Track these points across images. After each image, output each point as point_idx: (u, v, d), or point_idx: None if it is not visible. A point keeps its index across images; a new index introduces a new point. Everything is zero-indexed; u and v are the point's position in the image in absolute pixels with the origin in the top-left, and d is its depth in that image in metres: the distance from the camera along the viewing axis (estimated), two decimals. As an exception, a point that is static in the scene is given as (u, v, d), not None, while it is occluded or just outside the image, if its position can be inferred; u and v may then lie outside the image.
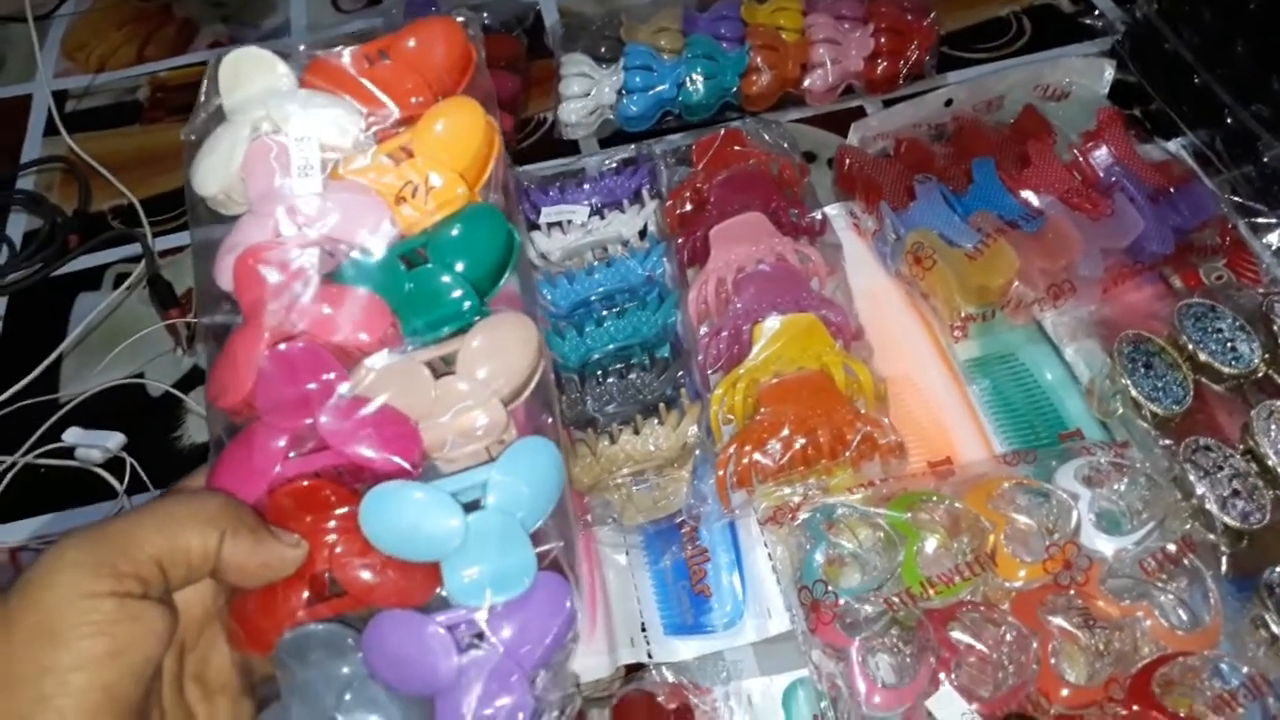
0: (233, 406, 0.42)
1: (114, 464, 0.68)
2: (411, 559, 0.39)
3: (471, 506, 0.39)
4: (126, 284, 0.78)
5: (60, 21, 1.04)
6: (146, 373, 0.73)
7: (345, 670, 0.38)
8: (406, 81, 0.45)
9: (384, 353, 0.41)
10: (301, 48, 0.48)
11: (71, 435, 0.68)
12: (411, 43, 0.46)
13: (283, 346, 0.40)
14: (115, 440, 0.68)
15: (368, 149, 0.43)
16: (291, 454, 0.40)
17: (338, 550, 0.39)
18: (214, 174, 0.45)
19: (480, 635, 0.39)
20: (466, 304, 0.42)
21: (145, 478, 0.67)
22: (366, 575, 0.39)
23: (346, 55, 0.47)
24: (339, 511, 0.39)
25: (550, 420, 0.45)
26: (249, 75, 0.46)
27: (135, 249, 0.80)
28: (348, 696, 0.37)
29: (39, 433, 0.70)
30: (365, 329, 0.41)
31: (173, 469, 0.68)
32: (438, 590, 0.39)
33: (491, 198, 0.46)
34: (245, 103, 0.45)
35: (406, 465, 0.40)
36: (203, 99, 0.48)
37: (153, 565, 0.34)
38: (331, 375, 0.41)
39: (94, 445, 0.68)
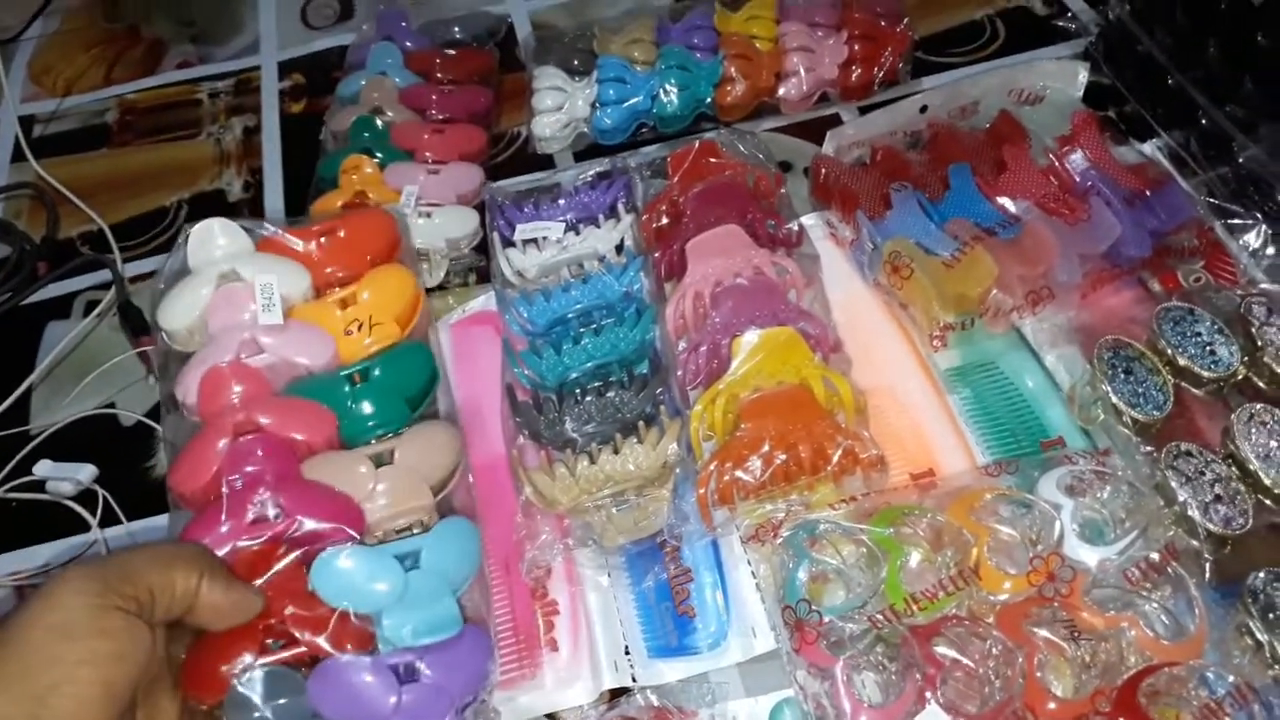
0: (190, 494, 0.49)
1: (86, 496, 0.67)
2: (357, 610, 0.45)
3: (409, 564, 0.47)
4: (96, 311, 0.77)
5: (26, 45, 1.03)
6: (118, 402, 0.72)
7: (294, 708, 0.42)
8: (346, 255, 0.58)
9: (330, 452, 0.50)
10: (253, 227, 0.59)
11: (42, 468, 0.67)
12: (342, 233, 0.58)
13: (242, 439, 0.48)
14: (87, 472, 0.67)
15: (313, 301, 0.54)
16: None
17: (287, 606, 0.44)
18: (181, 315, 0.54)
19: (414, 674, 0.45)
20: (399, 413, 0.52)
21: (118, 509, 0.66)
22: (312, 626, 0.44)
23: (294, 236, 0.58)
24: (286, 569, 0.46)
25: (472, 512, 0.54)
26: (214, 240, 0.56)
27: (105, 275, 0.79)
28: None
29: (9, 466, 0.68)
30: (314, 431, 0.50)
31: (146, 499, 0.67)
32: (373, 639, 0.46)
33: (417, 337, 0.57)
34: (210, 261, 0.55)
35: (353, 533, 0.47)
36: (168, 261, 0.58)
37: (147, 592, 0.40)
38: (287, 462, 0.49)
39: (65, 478, 0.67)
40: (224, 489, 0.47)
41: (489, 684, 0.47)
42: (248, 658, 0.43)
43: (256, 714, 0.42)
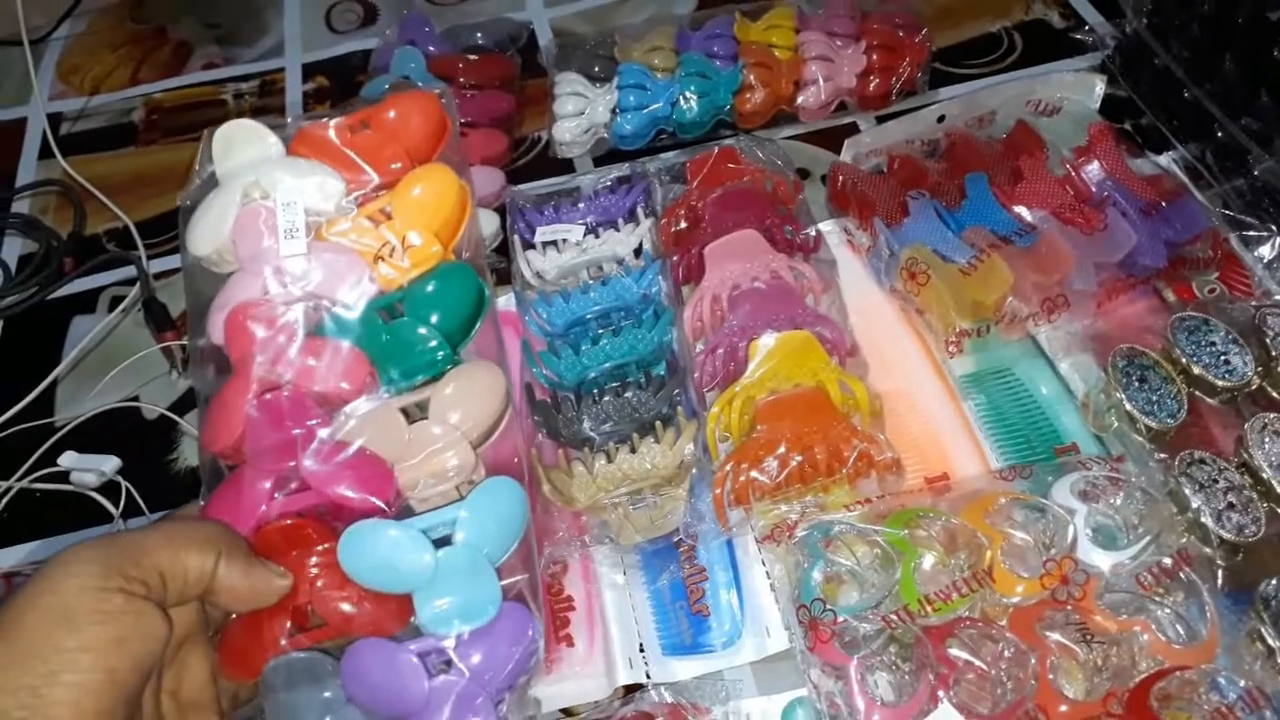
0: (222, 451, 0.45)
1: (109, 488, 0.68)
2: (386, 591, 0.42)
3: (442, 542, 0.42)
4: (122, 307, 0.78)
5: (55, 45, 1.04)
6: (142, 396, 0.73)
7: (325, 695, 0.41)
8: (386, 150, 0.49)
9: (362, 400, 0.44)
10: (289, 120, 0.52)
11: (67, 459, 0.68)
12: (391, 114, 0.50)
13: (269, 395, 0.44)
14: (110, 464, 0.68)
15: (349, 213, 0.47)
16: (277, 495, 0.43)
17: (319, 584, 0.42)
18: (207, 236, 0.49)
19: (449, 662, 0.42)
20: (440, 354, 0.45)
21: (140, 501, 0.67)
22: (345, 607, 0.42)
23: (331, 127, 0.51)
24: (320, 548, 0.42)
25: (517, 460, 0.48)
26: (240, 145, 0.50)
27: (130, 272, 0.80)
28: (328, 718, 0.40)
29: (34, 457, 0.69)
30: (345, 378, 0.45)
31: (168, 492, 0.68)
32: (410, 620, 0.43)
33: (464, 256, 0.49)
34: (236, 170, 0.49)
35: (382, 504, 0.44)
36: (197, 167, 0.52)
37: (156, 575, 0.37)
38: (314, 421, 0.44)
39: (89, 469, 0.68)
40: (247, 456, 0.44)
41: (530, 668, 0.44)
42: (282, 639, 0.41)
43: (285, 694, 0.41)
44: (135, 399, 0.73)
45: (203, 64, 1.00)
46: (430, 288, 0.46)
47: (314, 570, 0.42)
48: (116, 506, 0.67)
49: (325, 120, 0.51)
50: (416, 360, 0.45)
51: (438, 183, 0.48)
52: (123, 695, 0.35)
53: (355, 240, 0.47)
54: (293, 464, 0.43)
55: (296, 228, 0.46)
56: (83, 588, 0.35)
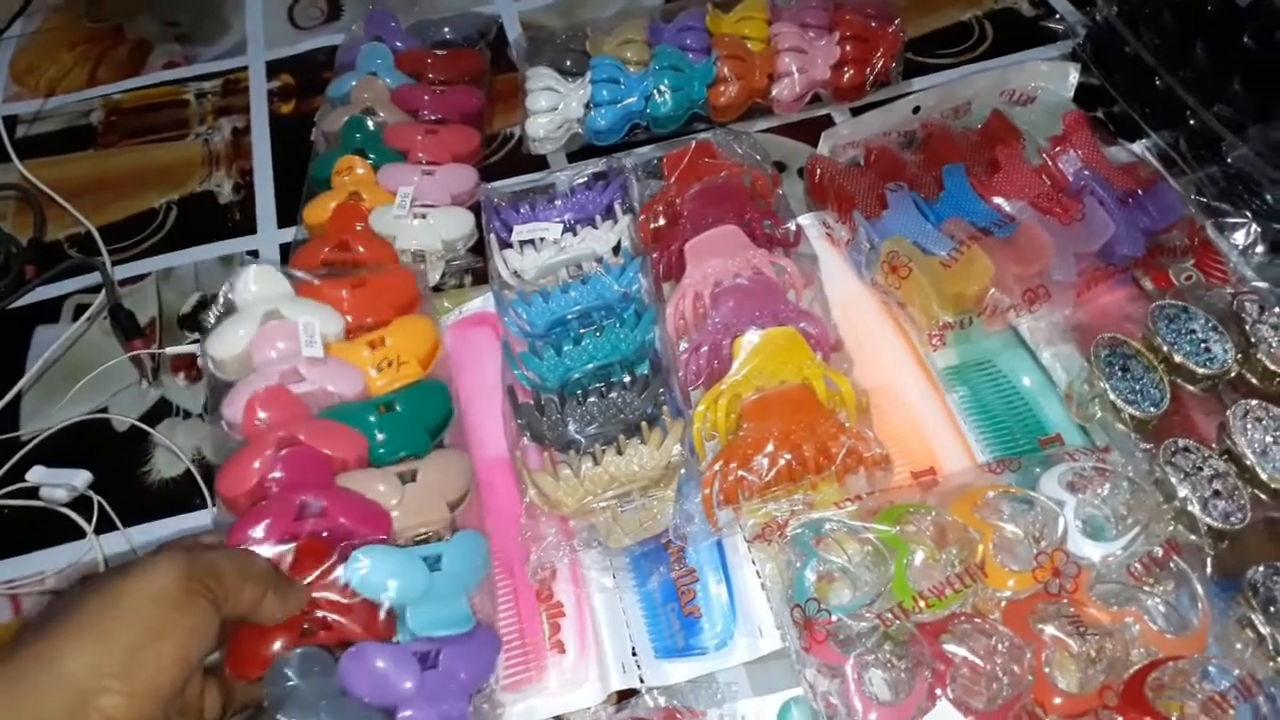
0: (234, 498, 0.55)
1: (81, 503, 0.66)
2: (391, 600, 0.50)
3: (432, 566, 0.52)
4: (87, 315, 0.76)
5: (8, 44, 1.01)
6: (111, 407, 0.71)
7: (326, 684, 0.47)
8: (372, 305, 0.65)
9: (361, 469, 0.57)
10: (296, 274, 0.66)
11: (35, 474, 0.66)
12: (381, 284, 0.66)
13: (290, 450, 0.55)
14: (81, 478, 0.66)
15: (345, 341, 0.63)
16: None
17: (323, 595, 0.50)
18: (228, 346, 0.61)
19: (433, 662, 0.49)
20: (420, 440, 0.59)
21: (114, 516, 0.65)
22: (350, 615, 0.50)
23: (328, 286, 0.66)
24: (326, 565, 0.50)
25: (483, 512, 0.60)
26: (259, 283, 0.64)
27: (95, 278, 0.78)
28: (324, 703, 0.46)
29: (1, 472, 0.67)
30: (348, 449, 0.57)
31: (142, 505, 0.66)
32: (393, 634, 0.51)
33: (437, 377, 0.64)
34: (256, 301, 0.63)
35: (382, 536, 0.53)
36: (220, 298, 0.65)
37: (223, 592, 0.44)
38: (326, 470, 0.56)
39: (59, 484, 0.66)
40: (272, 489, 0.54)
41: (496, 676, 0.52)
42: (286, 641, 0.48)
43: (291, 684, 0.46)
44: (104, 410, 0.71)
45: (163, 63, 0.98)
46: (416, 394, 0.61)
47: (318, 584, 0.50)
48: (89, 522, 0.65)
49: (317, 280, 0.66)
50: (402, 445, 0.58)
51: (421, 326, 0.64)
52: (185, 677, 0.42)
53: (356, 357, 0.62)
54: (306, 498, 0.52)
55: (314, 340, 0.59)
56: (180, 584, 0.42)
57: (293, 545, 0.50)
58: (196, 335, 0.75)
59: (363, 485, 0.55)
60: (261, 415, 0.58)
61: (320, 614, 0.49)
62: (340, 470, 0.56)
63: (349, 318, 0.65)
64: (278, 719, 0.45)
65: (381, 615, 0.50)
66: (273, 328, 0.61)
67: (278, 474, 0.54)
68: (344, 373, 0.60)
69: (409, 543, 0.54)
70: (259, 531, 0.51)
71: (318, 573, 0.49)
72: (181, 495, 0.67)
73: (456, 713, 0.48)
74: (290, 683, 0.46)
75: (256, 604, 0.46)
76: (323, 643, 0.48)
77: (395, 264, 0.69)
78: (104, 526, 0.65)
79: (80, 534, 0.65)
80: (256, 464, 0.55)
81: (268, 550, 0.50)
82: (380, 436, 0.58)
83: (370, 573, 0.50)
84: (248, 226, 0.82)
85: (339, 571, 0.50)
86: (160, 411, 0.71)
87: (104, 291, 0.77)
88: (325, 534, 0.52)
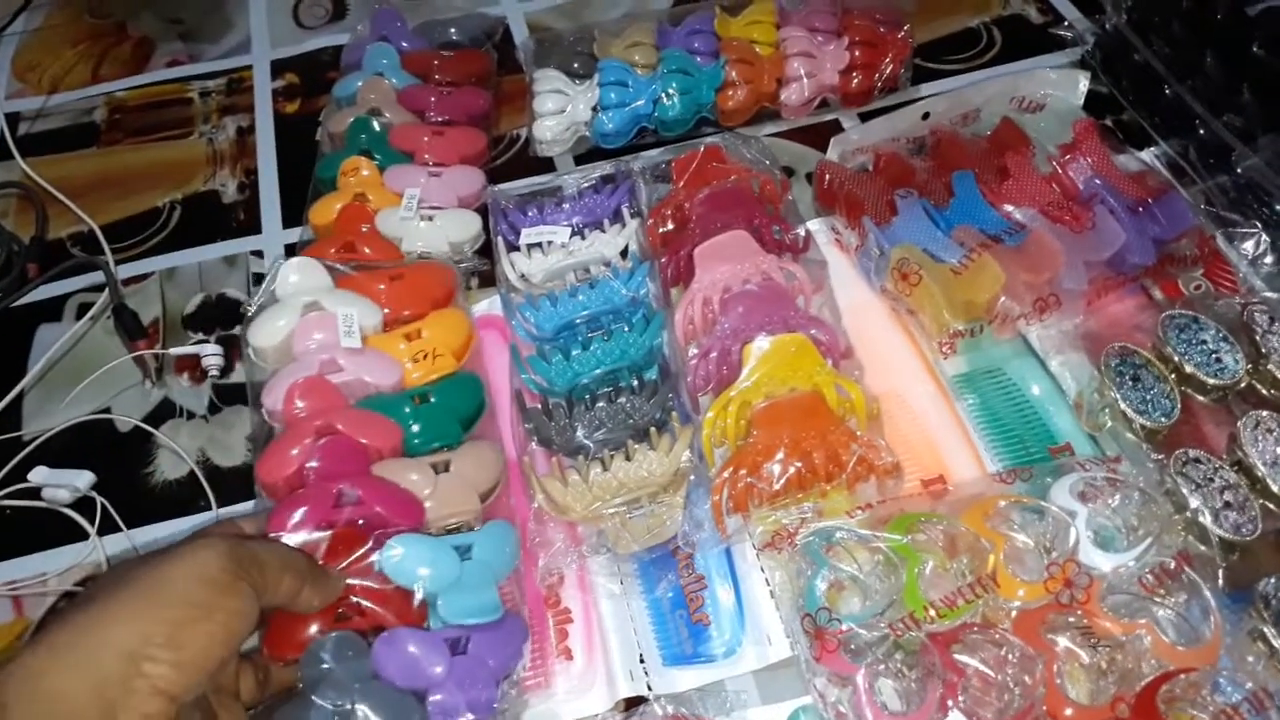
0: (273, 484, 0.56)
1: (84, 503, 0.66)
2: (419, 589, 0.51)
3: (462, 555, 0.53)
4: (90, 314, 0.76)
5: (10, 40, 1.00)
6: (114, 407, 0.71)
7: (359, 667, 0.48)
8: (410, 298, 0.66)
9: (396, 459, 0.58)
10: (337, 267, 0.67)
11: (38, 475, 0.66)
12: (418, 278, 0.67)
13: (328, 440, 0.56)
14: (84, 479, 0.66)
15: (382, 333, 0.64)
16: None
17: (358, 582, 0.51)
18: (268, 335, 0.63)
19: (463, 648, 0.50)
20: (455, 430, 0.60)
21: (117, 517, 0.65)
22: (383, 602, 0.51)
23: (367, 279, 0.67)
24: (360, 552, 0.51)
25: (513, 503, 0.61)
26: (300, 275, 0.65)
27: (97, 277, 0.78)
28: (357, 686, 0.47)
29: (3, 473, 0.67)
30: (383, 439, 0.57)
31: (145, 507, 0.65)
32: (424, 621, 0.52)
33: (470, 369, 0.65)
34: (296, 292, 0.64)
35: (415, 525, 0.54)
36: (262, 288, 0.67)
37: (263, 581, 0.45)
38: (363, 459, 0.57)
39: (62, 485, 0.65)
40: (310, 477, 0.55)
41: (523, 663, 0.53)
42: (321, 626, 0.49)
43: (326, 666, 0.48)
44: (107, 410, 0.71)
45: (166, 61, 0.97)
46: (452, 385, 0.61)
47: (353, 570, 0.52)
48: (92, 523, 0.64)
49: (362, 272, 0.67)
50: (436, 434, 0.58)
51: (456, 319, 0.65)
52: (227, 656, 0.43)
53: (393, 348, 0.63)
54: (343, 486, 0.54)
55: (353, 331, 0.61)
56: (226, 567, 0.43)
57: (329, 533, 0.52)
58: (200, 335, 0.75)
59: (397, 475, 0.56)
60: (300, 404, 0.59)
61: (355, 600, 0.50)
62: (375, 459, 0.57)
63: (387, 310, 0.65)
64: (312, 699, 0.47)
65: (414, 603, 0.51)
66: (313, 318, 0.61)
67: (315, 462, 0.56)
68: (382, 363, 0.61)
69: (440, 532, 0.55)
70: (297, 517, 0.52)
71: (352, 559, 0.51)
72: (185, 497, 0.66)
73: (485, 697, 0.49)
74: (325, 665, 0.48)
75: (295, 594, 0.47)
76: (357, 628, 0.50)
77: (433, 261, 0.70)
78: (107, 528, 0.65)
79: (83, 535, 0.64)
80: (295, 451, 0.56)
81: (305, 536, 0.51)
82: (415, 427, 0.59)
83: (403, 560, 0.51)
84: (252, 226, 0.82)
85: (374, 559, 0.51)
86: (164, 412, 0.71)
87: (107, 291, 0.76)
88: (361, 522, 0.53)
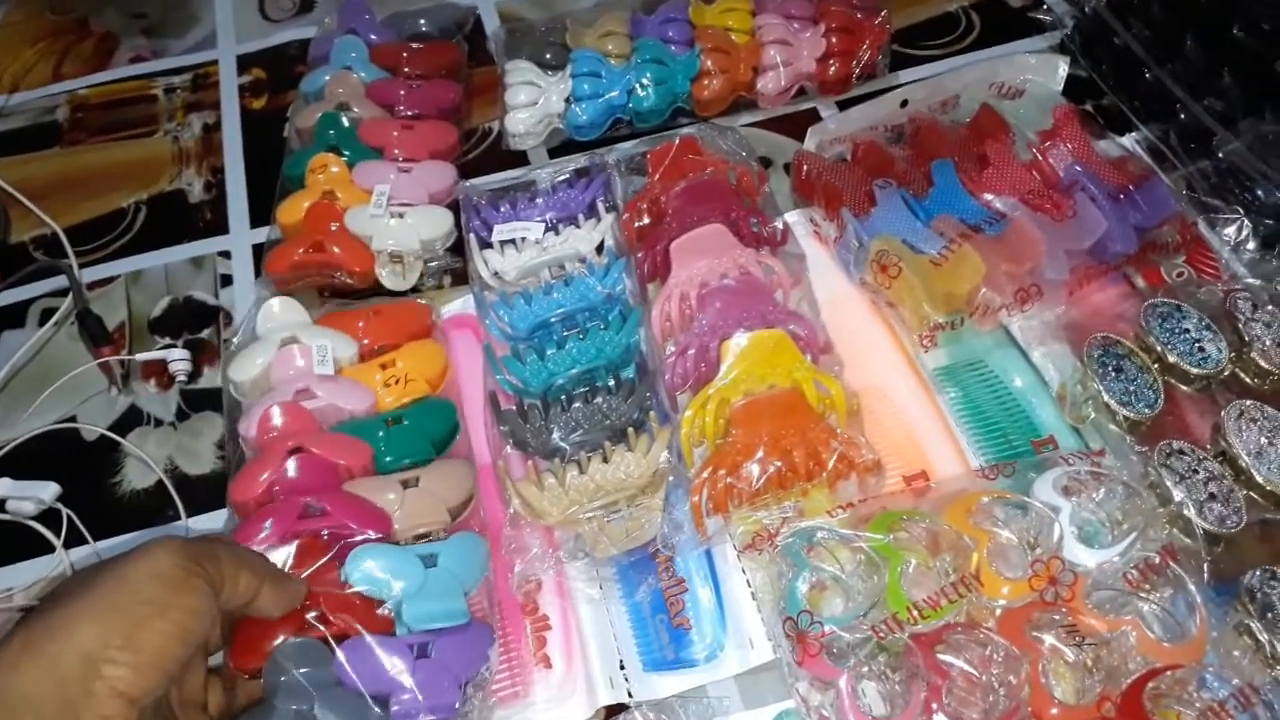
0: (243, 503, 0.57)
1: (49, 516, 0.64)
2: (383, 597, 0.52)
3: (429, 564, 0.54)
4: (53, 320, 0.74)
5: (-32, 38, 0.98)
6: (79, 415, 0.69)
7: (322, 673, 0.49)
8: (386, 331, 0.67)
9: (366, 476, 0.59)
10: (323, 307, 0.70)
11: (2, 487, 0.64)
12: (395, 314, 0.69)
13: (300, 457, 0.57)
14: (49, 491, 0.64)
15: (358, 364, 0.65)
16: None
17: (328, 592, 0.51)
18: (248, 369, 0.64)
19: (426, 653, 0.51)
20: (424, 449, 0.61)
21: (83, 529, 0.63)
22: (349, 610, 0.51)
23: (346, 316, 0.68)
24: (324, 561, 0.52)
25: (485, 516, 0.60)
26: (280, 313, 0.67)
27: (61, 282, 0.76)
28: (319, 691, 0.48)
29: (-35, 485, 0.65)
30: (353, 457, 0.59)
31: (112, 518, 0.64)
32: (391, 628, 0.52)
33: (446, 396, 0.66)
34: (276, 329, 0.66)
35: (381, 536, 0.55)
36: (245, 326, 0.68)
37: (220, 578, 0.45)
38: (332, 475, 0.58)
39: (26, 497, 0.63)
40: (277, 491, 0.56)
41: (489, 666, 0.53)
42: (287, 635, 0.50)
43: (288, 672, 0.48)
44: (73, 419, 0.69)
45: (130, 57, 0.95)
46: (424, 408, 0.63)
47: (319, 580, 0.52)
48: (58, 535, 0.63)
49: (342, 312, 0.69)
50: (407, 454, 0.60)
51: (431, 350, 0.66)
52: (186, 655, 0.43)
53: (366, 378, 0.64)
54: (309, 500, 0.55)
55: (326, 360, 0.63)
56: (179, 565, 0.43)
57: (295, 544, 0.52)
58: (168, 340, 0.73)
59: (365, 490, 0.57)
60: (273, 425, 0.60)
61: (321, 610, 0.51)
62: (347, 478, 0.58)
63: (365, 341, 0.67)
64: (274, 705, 0.47)
65: (380, 610, 0.52)
66: (289, 350, 0.63)
67: (288, 476, 0.57)
68: (354, 390, 0.62)
69: (409, 542, 0.56)
70: (265, 530, 0.53)
71: (317, 568, 0.51)
72: (153, 506, 0.65)
73: (447, 700, 0.50)
74: (287, 672, 0.48)
75: (254, 593, 0.47)
76: (323, 637, 0.50)
77: (409, 300, 0.72)
78: (73, 540, 0.63)
79: (49, 548, 0.62)
80: (265, 475, 0.57)
81: (271, 549, 0.52)
82: (385, 446, 0.60)
83: (366, 569, 0.52)
84: (219, 226, 0.80)
85: (341, 569, 0.52)
86: (131, 420, 0.69)
87: (71, 295, 0.74)
88: (327, 533, 0.54)
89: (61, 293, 0.76)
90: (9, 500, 0.64)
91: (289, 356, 0.63)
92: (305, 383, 0.62)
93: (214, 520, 0.64)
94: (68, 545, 0.63)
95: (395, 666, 0.49)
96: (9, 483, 0.64)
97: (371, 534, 0.54)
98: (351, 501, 0.55)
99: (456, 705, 0.50)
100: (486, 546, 0.56)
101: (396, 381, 0.63)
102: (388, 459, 0.59)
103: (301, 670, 0.48)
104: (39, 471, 0.65)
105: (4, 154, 0.87)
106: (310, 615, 0.50)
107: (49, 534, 0.63)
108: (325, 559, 0.52)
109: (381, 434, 0.60)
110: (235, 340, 0.68)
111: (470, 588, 0.54)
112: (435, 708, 0.49)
